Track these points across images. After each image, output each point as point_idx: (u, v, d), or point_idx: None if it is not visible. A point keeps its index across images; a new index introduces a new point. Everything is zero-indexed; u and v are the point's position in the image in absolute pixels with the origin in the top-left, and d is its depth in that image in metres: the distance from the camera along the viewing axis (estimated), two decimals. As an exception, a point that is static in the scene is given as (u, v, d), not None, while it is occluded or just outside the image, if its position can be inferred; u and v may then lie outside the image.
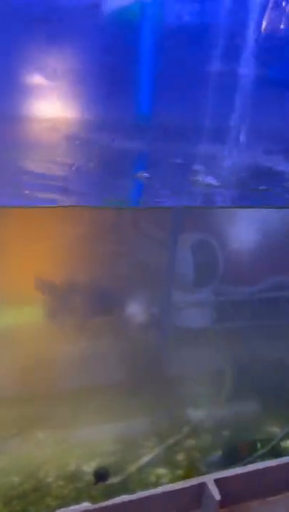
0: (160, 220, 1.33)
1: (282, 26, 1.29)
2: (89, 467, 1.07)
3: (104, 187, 1.01)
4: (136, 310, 1.40)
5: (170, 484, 0.92)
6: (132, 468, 1.05)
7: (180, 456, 1.12)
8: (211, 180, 1.12)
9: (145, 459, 1.08)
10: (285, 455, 1.06)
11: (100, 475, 1.03)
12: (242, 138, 1.23)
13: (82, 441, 1.13)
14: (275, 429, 1.23)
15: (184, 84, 1.18)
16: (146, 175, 1.00)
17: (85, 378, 1.27)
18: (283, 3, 1.24)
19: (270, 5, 1.23)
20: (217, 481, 0.98)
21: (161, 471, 1.08)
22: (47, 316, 1.31)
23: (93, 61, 1.02)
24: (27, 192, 0.97)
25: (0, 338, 1.23)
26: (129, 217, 1.41)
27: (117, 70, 1.06)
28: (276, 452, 1.11)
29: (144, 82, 1.10)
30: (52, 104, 0.95)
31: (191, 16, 1.14)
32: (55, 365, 1.25)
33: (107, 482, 1.02)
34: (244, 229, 1.39)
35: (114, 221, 1.36)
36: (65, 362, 1.26)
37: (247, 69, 1.23)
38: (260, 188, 1.16)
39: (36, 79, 0.92)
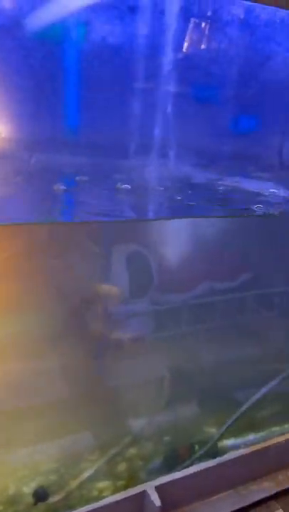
0: (95, 233, 1.35)
1: (202, 47, 1.37)
2: (29, 488, 1.05)
3: (31, 203, 1.01)
4: (72, 324, 1.40)
5: (111, 496, 0.93)
6: (73, 484, 1.05)
7: (122, 467, 1.13)
8: (138, 194, 1.16)
9: (86, 473, 1.08)
10: (222, 455, 1.11)
11: (39, 495, 1.01)
12: (166, 153, 1.28)
13: (23, 462, 1.11)
14: (213, 430, 1.28)
15: (108, 101, 1.22)
16: (63, 188, 1.01)
17: (21, 397, 1.24)
18: (203, 25, 1.32)
19: (191, 26, 1.30)
20: (157, 488, 1.00)
21: (103, 484, 1.08)
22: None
23: (15, 79, 1.03)
24: None
25: None
26: (65, 232, 1.41)
27: (40, 88, 1.07)
28: (213, 452, 1.15)
29: (69, 99, 1.12)
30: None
31: (114, 37, 1.18)
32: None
33: (47, 501, 1.01)
34: (175, 239, 1.45)
35: (48, 236, 1.36)
36: None
37: (169, 87, 1.29)
38: (186, 200, 1.21)
39: None
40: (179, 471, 1.05)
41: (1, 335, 1.16)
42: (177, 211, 1.11)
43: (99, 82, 1.19)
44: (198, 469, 1.07)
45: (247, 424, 1.27)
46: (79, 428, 1.21)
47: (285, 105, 1.41)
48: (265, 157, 1.49)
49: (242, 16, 1.26)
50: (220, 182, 1.26)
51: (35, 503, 1.00)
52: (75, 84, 1.16)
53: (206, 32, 1.31)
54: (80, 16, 1.11)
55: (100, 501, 0.92)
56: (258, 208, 1.10)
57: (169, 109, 1.26)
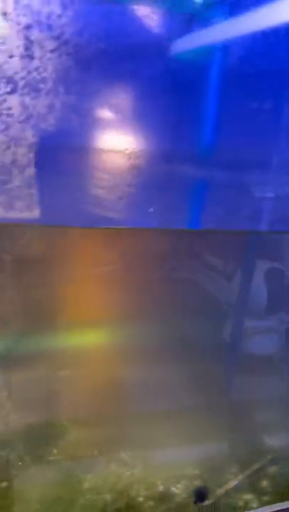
0: (217, 246, 1.37)
1: None
2: (177, 489, 1.07)
3: (164, 208, 1.06)
4: (205, 336, 1.42)
5: (270, 505, 0.92)
6: (221, 491, 1.05)
7: (264, 483, 1.11)
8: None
9: (232, 483, 1.08)
10: None
11: (200, 494, 1.02)
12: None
13: (165, 464, 1.13)
14: None
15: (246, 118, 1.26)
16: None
17: (158, 402, 1.28)
18: None
19: None
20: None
21: (248, 496, 1.07)
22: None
23: (160, 99, 1.10)
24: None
25: (75, 360, 1.26)
26: (186, 242, 1.45)
27: (181, 108, 1.13)
28: None
29: (207, 117, 1.17)
30: (121, 137, 1.04)
31: (258, 58, 1.23)
32: (129, 388, 1.27)
33: (202, 503, 1.02)
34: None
35: (169, 246, 1.40)
36: (138, 386, 1.27)
37: None
38: None
39: (104, 114, 1.01)
40: None
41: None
42: None
43: (242, 101, 1.24)
44: None
45: None
46: (216, 439, 1.21)
47: None
48: None
49: None
50: None
51: (195, 502, 1.01)
52: (216, 105, 1.23)
53: None
54: (225, 40, 1.16)
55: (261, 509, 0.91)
56: None
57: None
